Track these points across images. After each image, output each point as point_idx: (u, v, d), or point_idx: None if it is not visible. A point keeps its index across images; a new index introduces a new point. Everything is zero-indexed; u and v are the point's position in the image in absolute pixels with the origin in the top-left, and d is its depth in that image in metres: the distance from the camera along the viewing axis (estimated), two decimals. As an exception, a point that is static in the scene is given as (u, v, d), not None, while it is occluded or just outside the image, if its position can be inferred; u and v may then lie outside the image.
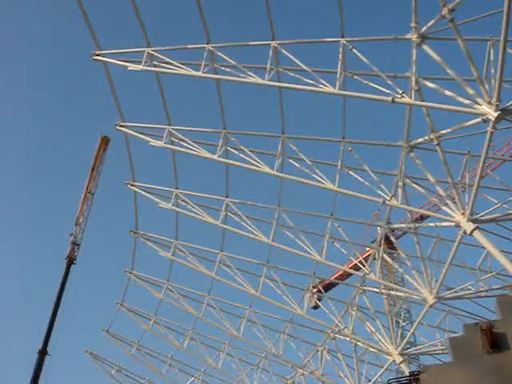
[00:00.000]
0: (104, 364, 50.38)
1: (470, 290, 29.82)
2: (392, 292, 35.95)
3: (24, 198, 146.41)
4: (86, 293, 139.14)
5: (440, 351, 33.17)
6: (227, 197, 33.54)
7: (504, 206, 26.91)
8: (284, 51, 25.42)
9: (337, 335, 37.80)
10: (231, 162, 30.45)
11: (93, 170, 46.96)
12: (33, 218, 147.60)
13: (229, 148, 30.25)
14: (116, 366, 49.82)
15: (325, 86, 23.44)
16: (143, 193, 35.30)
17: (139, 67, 28.12)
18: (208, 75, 26.94)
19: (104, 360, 50.23)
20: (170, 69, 27.61)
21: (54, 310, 39.55)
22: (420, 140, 25.04)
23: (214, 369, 44.84)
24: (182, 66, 27.19)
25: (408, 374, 11.84)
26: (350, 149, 28.31)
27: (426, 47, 20.84)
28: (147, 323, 44.27)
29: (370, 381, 37.27)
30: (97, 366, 50.23)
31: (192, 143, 30.68)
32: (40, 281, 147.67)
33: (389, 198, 26.40)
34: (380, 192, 26.65)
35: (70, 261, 44.82)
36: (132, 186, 35.27)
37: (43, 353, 37.19)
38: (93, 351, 49.57)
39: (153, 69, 28.34)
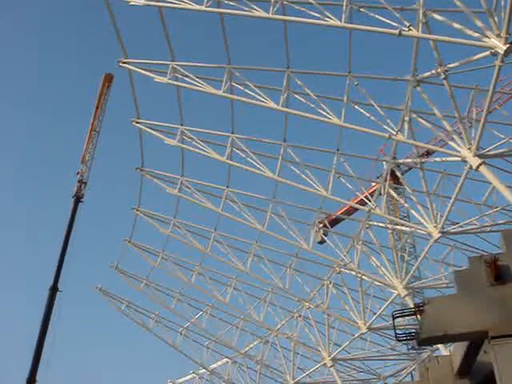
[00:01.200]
0: (114, 300, 51.32)
1: (475, 224, 30.00)
2: (397, 227, 36.16)
3: (29, 137, 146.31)
4: (95, 230, 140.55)
5: (444, 285, 33.60)
6: (233, 133, 33.39)
7: (511, 140, 26.74)
8: (289, -17, 24.90)
9: (342, 269, 38.26)
10: (236, 97, 30.20)
11: (97, 108, 46.67)
12: (39, 157, 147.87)
13: (233, 83, 29.95)
14: (126, 302, 50.76)
15: (330, 19, 23.04)
16: (148, 130, 35.17)
17: (141, 2, 27.70)
18: (211, 9, 26.47)
19: (114, 296, 51.14)
20: (171, 3, 27.16)
21: (63, 247, 39.92)
22: (427, 74, 24.72)
23: (222, 303, 45.66)
24: (185, 0, 26.73)
25: (412, 306, 12.01)
26: (356, 83, 27.99)
27: (434, -22, 20.35)
28: (155, 259, 44.83)
29: (374, 314, 37.90)
30: (107, 301, 51.24)
31: (196, 79, 30.39)
32: (48, 219, 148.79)
33: (395, 133, 26.26)
34: (386, 127, 26.49)
35: (78, 199, 45.05)
36: (137, 123, 35.12)
37: (54, 289, 37.68)
38: (103, 288, 50.49)
39: (154, 3, 27.91)
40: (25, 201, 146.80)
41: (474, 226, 29.93)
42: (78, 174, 46.76)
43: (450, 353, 16.23)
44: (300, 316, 43.77)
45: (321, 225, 39.24)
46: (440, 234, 28.02)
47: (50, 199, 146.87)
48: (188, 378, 56.95)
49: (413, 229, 32.80)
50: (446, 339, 12.14)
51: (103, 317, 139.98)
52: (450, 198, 27.29)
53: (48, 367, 37.27)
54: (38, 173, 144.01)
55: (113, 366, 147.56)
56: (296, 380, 46.54)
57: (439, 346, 30.13)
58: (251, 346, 50.18)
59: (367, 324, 37.30)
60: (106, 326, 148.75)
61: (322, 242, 41.56)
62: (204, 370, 54.47)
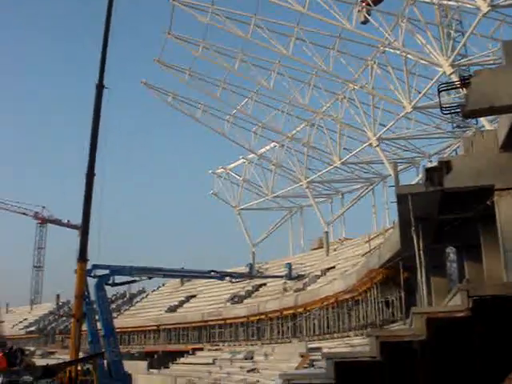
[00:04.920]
0: (160, 93, 52.07)
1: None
2: (444, 1, 34.73)
3: None
4: (133, 24, 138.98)
5: (492, 62, 32.79)
6: None
7: None
8: None
9: (387, 48, 37.57)
10: None
11: None
12: None
13: None
14: (172, 94, 51.47)
15: None
16: None
17: None
18: None
19: (159, 89, 51.81)
20: None
21: (104, 43, 39.22)
22: None
23: (267, 89, 45.94)
24: None
25: (458, 79, 11.91)
26: None
27: None
28: (196, 49, 44.57)
29: (419, 93, 37.74)
30: (153, 95, 52.10)
31: None
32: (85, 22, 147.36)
33: None
34: None
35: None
36: None
37: (100, 87, 37.75)
38: (147, 82, 51.11)
39: None
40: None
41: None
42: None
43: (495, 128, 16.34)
44: (345, 97, 43.93)
45: (364, 3, 37.82)
46: (489, 8, 26.96)
47: None
48: (238, 163, 59.13)
49: (460, 3, 31.46)
50: (491, 111, 12.13)
51: (151, 112, 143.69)
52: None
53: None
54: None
55: (163, 161, 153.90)
56: (343, 160, 47.88)
57: (484, 123, 30.26)
58: (298, 129, 51.20)
59: (412, 103, 37.32)
60: (153, 123, 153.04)
61: (365, 21, 40.22)
62: (253, 155, 56.31)
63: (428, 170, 13.10)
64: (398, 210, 15.05)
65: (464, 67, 36.45)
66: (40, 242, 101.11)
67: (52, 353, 63.64)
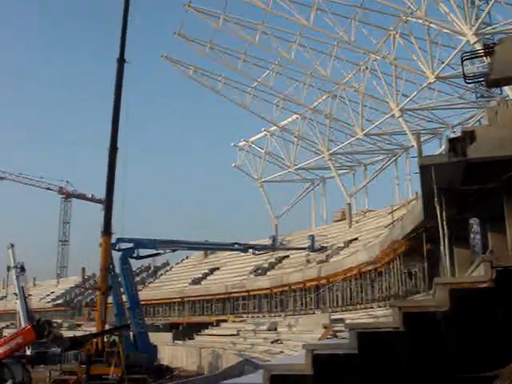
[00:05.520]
0: (181, 66, 52.01)
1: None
2: (468, -32, 34.12)
3: None
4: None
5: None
6: None
7: None
8: None
9: (409, 18, 37.03)
10: None
11: None
12: None
13: None
14: (193, 67, 51.40)
15: None
16: None
17: None
18: None
19: (181, 62, 51.73)
20: None
21: (124, 16, 39.09)
22: None
23: (288, 60, 45.65)
24: None
25: (482, 48, 11.72)
26: None
27: None
28: (217, 21, 44.32)
29: (443, 63, 37.24)
30: (174, 69, 52.08)
31: None
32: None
33: None
34: None
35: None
36: None
37: (121, 61, 37.74)
38: (168, 56, 51.06)
39: None
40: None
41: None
42: None
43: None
44: (367, 68, 43.50)
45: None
46: (514, -27, 26.36)
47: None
48: (260, 135, 59.11)
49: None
50: (516, 81, 12.00)
51: (173, 85, 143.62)
52: None
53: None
54: None
55: (185, 134, 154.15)
56: (365, 131, 47.60)
57: (509, 92, 29.82)
58: (319, 101, 50.92)
59: (435, 73, 36.85)
60: (173, 97, 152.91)
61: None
62: (275, 128, 56.22)
63: (451, 141, 12.97)
64: (420, 180, 14.96)
65: (488, 36, 35.87)
66: (65, 217, 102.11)
67: (79, 325, 64.73)
